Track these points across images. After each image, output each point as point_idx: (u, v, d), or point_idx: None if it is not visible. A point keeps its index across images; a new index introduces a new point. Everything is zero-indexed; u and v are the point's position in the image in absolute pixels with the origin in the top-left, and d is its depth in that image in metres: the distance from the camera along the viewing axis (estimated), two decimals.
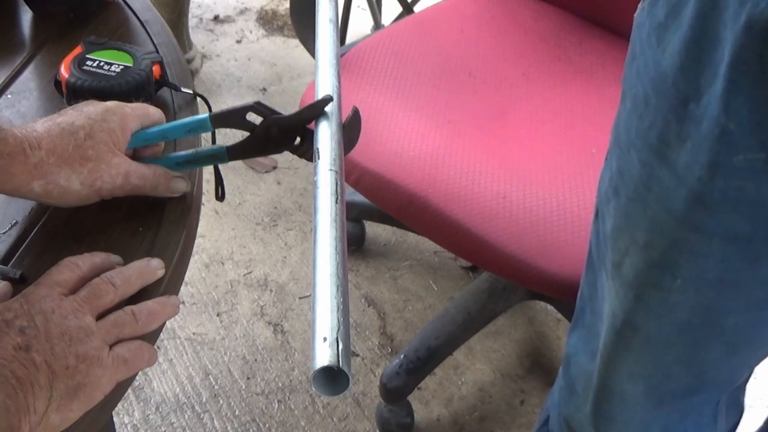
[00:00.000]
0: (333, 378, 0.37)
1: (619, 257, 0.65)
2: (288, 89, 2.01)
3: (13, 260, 0.56)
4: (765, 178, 0.51)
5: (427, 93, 1.12)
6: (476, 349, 1.42)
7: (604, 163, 0.69)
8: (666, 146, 0.56)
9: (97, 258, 0.54)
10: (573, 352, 0.80)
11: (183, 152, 0.63)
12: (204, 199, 0.69)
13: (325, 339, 0.36)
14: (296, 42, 2.15)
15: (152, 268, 0.56)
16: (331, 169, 0.49)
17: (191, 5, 1.97)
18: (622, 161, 0.63)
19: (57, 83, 0.68)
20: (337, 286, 0.39)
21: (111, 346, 0.50)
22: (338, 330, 0.37)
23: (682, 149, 0.54)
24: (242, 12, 2.30)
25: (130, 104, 0.61)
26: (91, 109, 0.58)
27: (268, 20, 2.27)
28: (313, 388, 0.36)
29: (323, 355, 0.36)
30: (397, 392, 1.25)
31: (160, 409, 1.29)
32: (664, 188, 0.57)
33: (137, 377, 0.78)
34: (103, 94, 0.64)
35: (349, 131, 0.58)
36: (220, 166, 0.66)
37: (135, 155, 0.61)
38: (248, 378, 1.35)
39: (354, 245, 1.58)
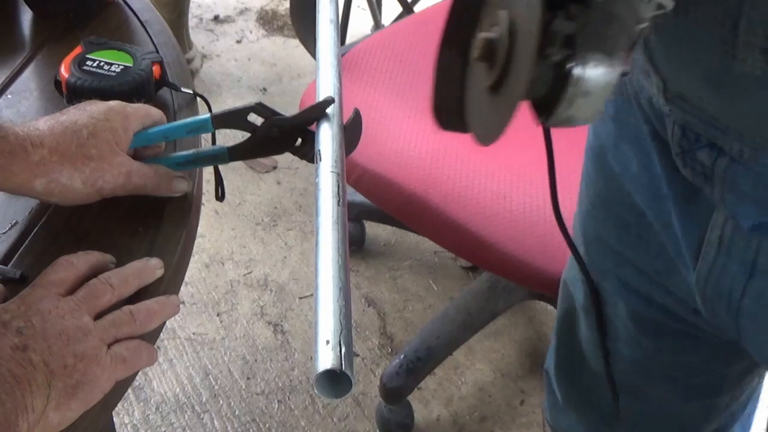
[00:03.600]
0: (335, 380, 0.37)
1: None
2: (288, 89, 2.00)
3: (13, 260, 0.56)
4: None
5: (427, 93, 1.12)
6: (476, 349, 1.42)
7: None
8: None
9: (92, 257, 0.54)
10: None
11: (184, 152, 0.63)
12: (204, 199, 0.69)
13: (327, 342, 0.36)
14: (296, 42, 2.15)
15: (151, 267, 0.55)
16: (332, 171, 0.48)
17: (191, 5, 1.97)
18: None
19: (57, 83, 0.68)
20: (339, 288, 0.39)
21: (109, 346, 0.50)
22: (341, 333, 0.36)
23: None
24: (242, 12, 2.30)
25: (131, 104, 0.61)
26: (94, 108, 0.58)
27: (268, 20, 2.27)
28: (316, 391, 0.36)
29: (326, 359, 0.36)
30: (397, 392, 1.25)
31: (160, 409, 1.29)
32: None
33: (137, 377, 0.78)
34: (103, 94, 0.64)
35: (350, 133, 0.58)
36: (220, 166, 0.66)
37: (136, 155, 0.61)
38: (248, 378, 1.35)
39: (354, 245, 1.58)
